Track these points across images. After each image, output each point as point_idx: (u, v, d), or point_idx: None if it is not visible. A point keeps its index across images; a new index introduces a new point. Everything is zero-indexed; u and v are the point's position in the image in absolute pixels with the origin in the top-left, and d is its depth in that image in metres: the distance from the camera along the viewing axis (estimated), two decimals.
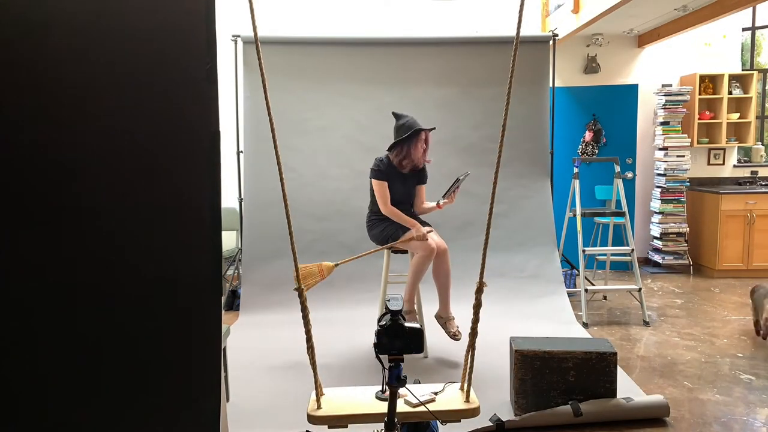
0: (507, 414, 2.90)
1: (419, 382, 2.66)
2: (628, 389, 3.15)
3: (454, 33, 6.00)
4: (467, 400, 2.24)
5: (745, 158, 6.73)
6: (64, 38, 1.37)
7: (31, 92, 1.37)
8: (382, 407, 2.11)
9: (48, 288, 1.40)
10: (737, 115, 6.36)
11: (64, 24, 1.37)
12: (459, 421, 2.22)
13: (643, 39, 6.35)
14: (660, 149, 6.34)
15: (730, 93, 6.32)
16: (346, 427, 2.15)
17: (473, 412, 2.20)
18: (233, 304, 4.95)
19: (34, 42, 1.36)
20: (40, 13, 1.36)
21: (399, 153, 3.71)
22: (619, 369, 3.43)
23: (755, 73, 6.34)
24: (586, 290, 4.60)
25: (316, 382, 2.24)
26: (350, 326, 4.36)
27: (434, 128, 3.88)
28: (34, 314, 1.40)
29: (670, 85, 6.31)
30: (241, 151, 5.12)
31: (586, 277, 4.94)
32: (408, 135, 3.66)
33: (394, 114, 3.79)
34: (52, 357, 1.41)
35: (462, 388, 2.32)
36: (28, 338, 1.40)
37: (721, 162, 6.60)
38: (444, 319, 3.80)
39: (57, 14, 1.37)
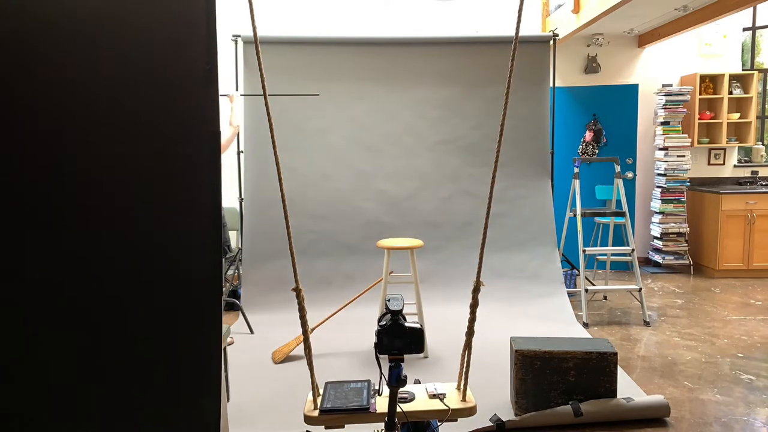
0: (507, 414, 2.90)
1: (419, 382, 2.66)
2: (629, 389, 3.15)
3: (454, 33, 6.00)
4: (464, 399, 2.24)
5: (746, 158, 6.73)
6: (65, 38, 1.38)
7: (31, 93, 1.37)
8: (381, 407, 2.12)
9: (48, 289, 1.40)
10: (738, 115, 6.36)
11: (65, 24, 1.37)
12: (456, 420, 2.22)
13: (644, 39, 6.35)
14: (660, 149, 6.34)
15: (730, 93, 6.32)
16: (343, 427, 2.15)
17: (470, 411, 2.20)
18: (233, 304, 4.95)
19: (36, 41, 1.36)
20: (41, 13, 1.36)
21: None
22: (619, 369, 3.44)
23: (755, 73, 6.34)
24: (586, 290, 4.60)
25: (312, 382, 2.24)
26: (350, 326, 4.36)
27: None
28: (35, 314, 1.40)
29: (671, 85, 6.31)
30: (241, 151, 5.12)
31: (586, 277, 4.94)
32: None
33: None
34: (53, 357, 1.41)
35: (459, 388, 2.32)
36: (28, 338, 1.40)
37: (722, 162, 6.60)
38: None
39: (57, 14, 1.37)
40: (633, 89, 6.37)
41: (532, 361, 2.85)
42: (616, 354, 2.85)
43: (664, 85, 6.27)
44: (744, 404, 3.07)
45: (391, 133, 5.20)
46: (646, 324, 4.48)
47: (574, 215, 4.78)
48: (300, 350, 3.81)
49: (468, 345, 2.26)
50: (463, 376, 2.28)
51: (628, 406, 2.83)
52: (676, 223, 6.23)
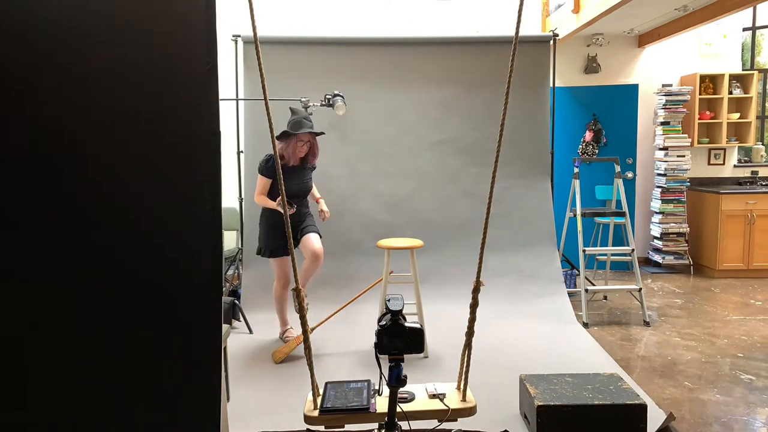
0: (519, 427, 2.82)
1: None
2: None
3: (454, 33, 6.00)
4: (464, 399, 2.24)
5: (746, 158, 6.73)
6: (65, 38, 1.37)
7: (31, 92, 1.37)
8: (381, 407, 2.12)
9: (47, 289, 1.40)
10: (737, 115, 6.36)
11: (65, 24, 1.37)
12: (456, 419, 2.22)
13: (644, 39, 6.34)
14: (660, 149, 6.34)
15: (730, 93, 6.32)
16: (343, 427, 2.15)
17: (470, 411, 2.20)
18: (234, 312, 4.82)
19: (36, 41, 1.36)
20: (42, 13, 1.36)
21: (281, 150, 3.81)
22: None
23: (755, 73, 6.34)
24: (586, 290, 4.60)
25: (312, 383, 2.24)
26: (350, 326, 4.36)
27: (321, 133, 3.98)
28: (34, 315, 1.40)
29: (671, 85, 6.31)
30: (241, 151, 5.12)
31: (586, 277, 4.94)
32: (284, 133, 3.77)
33: (290, 109, 3.92)
34: (51, 358, 1.41)
35: (459, 388, 2.32)
36: (26, 339, 1.40)
37: (722, 162, 6.60)
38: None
39: (58, 14, 1.37)
40: (633, 89, 6.37)
41: (556, 413, 2.62)
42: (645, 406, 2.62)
43: (664, 85, 6.27)
44: (744, 404, 3.07)
45: (391, 133, 5.20)
46: (646, 324, 4.48)
47: (574, 215, 4.78)
48: (300, 350, 3.81)
49: (468, 345, 2.26)
50: (463, 376, 2.29)
51: None
52: (676, 223, 6.23)
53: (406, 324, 1.92)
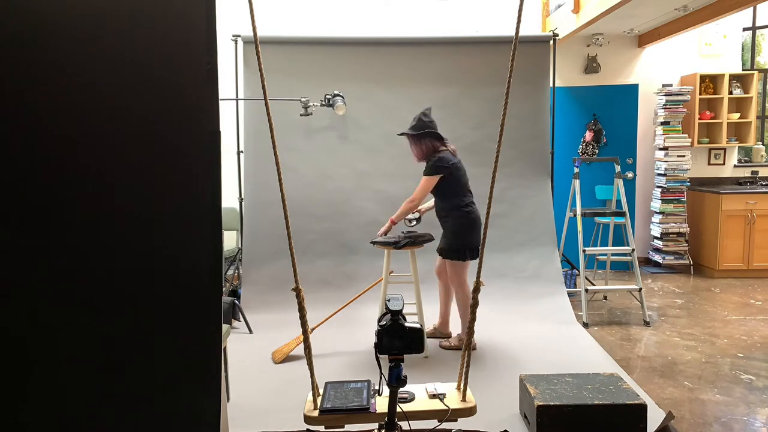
0: (519, 427, 2.82)
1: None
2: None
3: (454, 33, 6.00)
4: (464, 399, 2.24)
5: (746, 158, 6.73)
6: (64, 38, 1.37)
7: (31, 93, 1.37)
8: (381, 407, 2.12)
9: (45, 291, 1.40)
10: (738, 115, 6.36)
11: (64, 24, 1.37)
12: (456, 419, 2.22)
13: (644, 39, 6.34)
14: (660, 149, 6.34)
15: (730, 93, 6.32)
16: (343, 427, 2.15)
17: (470, 411, 2.20)
18: (234, 312, 4.81)
19: (36, 41, 1.36)
20: (42, 13, 1.36)
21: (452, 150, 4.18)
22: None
23: (755, 73, 6.34)
24: (586, 290, 4.60)
25: (312, 383, 2.24)
26: (350, 326, 4.36)
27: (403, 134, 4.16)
28: (35, 317, 1.40)
29: (671, 85, 6.31)
30: (241, 151, 5.12)
31: (586, 277, 4.93)
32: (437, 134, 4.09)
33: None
34: (53, 357, 1.41)
35: (459, 388, 2.32)
36: (24, 340, 1.40)
37: (722, 162, 6.60)
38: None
39: (57, 14, 1.36)
40: (633, 89, 6.37)
41: (557, 413, 2.60)
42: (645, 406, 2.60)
43: (664, 85, 6.27)
44: (744, 404, 3.07)
45: (391, 133, 5.19)
46: (646, 324, 4.48)
47: (574, 215, 4.78)
48: (300, 350, 3.81)
49: (468, 345, 2.26)
50: (463, 376, 2.29)
51: None
52: (676, 223, 6.23)
53: (406, 324, 1.92)
